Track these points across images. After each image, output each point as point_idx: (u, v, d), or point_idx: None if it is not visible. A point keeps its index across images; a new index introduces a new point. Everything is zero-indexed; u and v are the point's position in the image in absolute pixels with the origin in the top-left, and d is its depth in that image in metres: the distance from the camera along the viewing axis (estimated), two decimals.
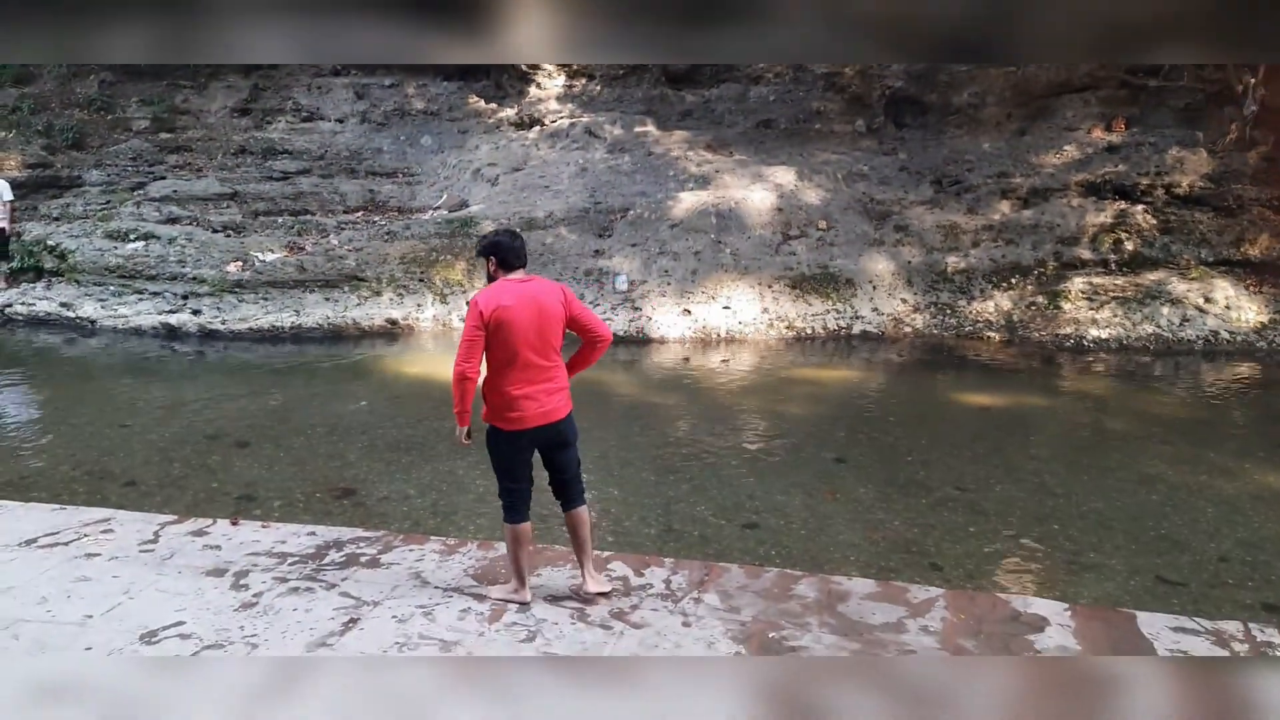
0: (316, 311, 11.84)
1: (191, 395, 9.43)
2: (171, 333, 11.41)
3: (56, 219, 13.51)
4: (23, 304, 11.95)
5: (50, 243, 12.80)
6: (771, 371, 10.79)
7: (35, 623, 4.01)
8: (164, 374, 10.32)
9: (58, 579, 4.42)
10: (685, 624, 4.23)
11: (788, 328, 11.83)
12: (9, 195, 12.77)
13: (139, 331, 11.45)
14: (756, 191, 13.13)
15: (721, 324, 11.77)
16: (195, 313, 11.64)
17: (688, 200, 12.95)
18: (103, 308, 11.77)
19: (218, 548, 4.85)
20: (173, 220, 13.09)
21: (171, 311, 11.67)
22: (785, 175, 13.43)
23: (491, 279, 4.19)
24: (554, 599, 4.39)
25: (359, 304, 12.04)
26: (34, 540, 4.86)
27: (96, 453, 7.43)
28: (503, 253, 4.13)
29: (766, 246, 12.56)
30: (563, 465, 4.38)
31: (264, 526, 5.22)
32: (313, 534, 5.08)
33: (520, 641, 4.01)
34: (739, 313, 11.87)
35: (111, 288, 12.11)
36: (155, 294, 11.99)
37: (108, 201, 13.71)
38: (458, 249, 12.58)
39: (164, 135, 15.09)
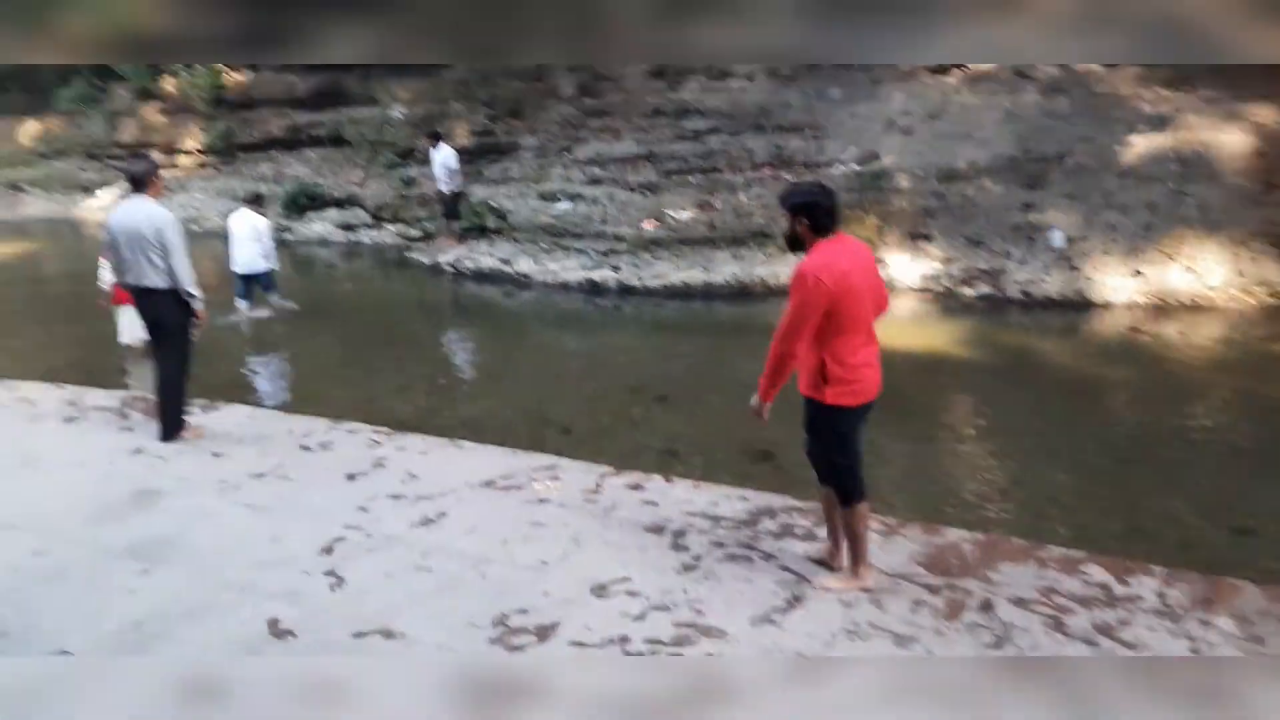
0: (725, 269, 11.89)
1: (613, 348, 9.85)
2: (594, 288, 12.05)
3: (497, 182, 14.86)
4: (469, 260, 13.27)
5: (492, 204, 14.10)
6: (1249, 345, 9.06)
7: (498, 564, 4.17)
8: (589, 327, 10.93)
9: (514, 522, 4.59)
10: (1193, 650, 3.46)
11: (1270, 294, 9.88)
12: (455, 164, 14.19)
13: (566, 286, 12.23)
14: (1229, 133, 11.08)
15: (1182, 288, 10.10)
16: (615, 269, 12.19)
17: (1140, 145, 11.24)
18: (535, 264, 12.72)
19: (655, 503, 4.81)
20: (595, 181, 13.83)
21: (594, 268, 12.33)
22: (1268, 113, 11.18)
23: (795, 239, 3.69)
24: (1020, 601, 3.80)
25: (765, 261, 11.91)
26: (492, 482, 5.14)
27: (535, 399, 7.92)
28: (819, 216, 3.60)
29: (1243, 197, 10.56)
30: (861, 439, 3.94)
31: (695, 486, 5.11)
32: (745, 499, 4.88)
33: (985, 646, 3.49)
34: (1205, 275, 10.11)
35: (543, 245, 13.07)
36: (580, 251, 12.75)
37: (540, 165, 14.83)
38: (868, 204, 12.00)
39: (588, 101, 16.00)
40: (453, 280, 13.08)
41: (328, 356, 9.45)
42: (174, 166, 20.15)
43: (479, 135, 16.07)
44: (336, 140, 18.44)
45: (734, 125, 14.61)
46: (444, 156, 13.95)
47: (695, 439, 6.90)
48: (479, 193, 14.68)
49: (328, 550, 4.35)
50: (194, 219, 17.67)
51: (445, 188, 14.07)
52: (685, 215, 12.81)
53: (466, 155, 15.36)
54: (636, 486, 5.05)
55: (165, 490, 5.24)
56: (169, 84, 20.24)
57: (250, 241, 10.12)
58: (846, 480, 3.83)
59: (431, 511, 4.75)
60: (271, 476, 5.41)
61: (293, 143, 18.98)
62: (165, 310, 5.92)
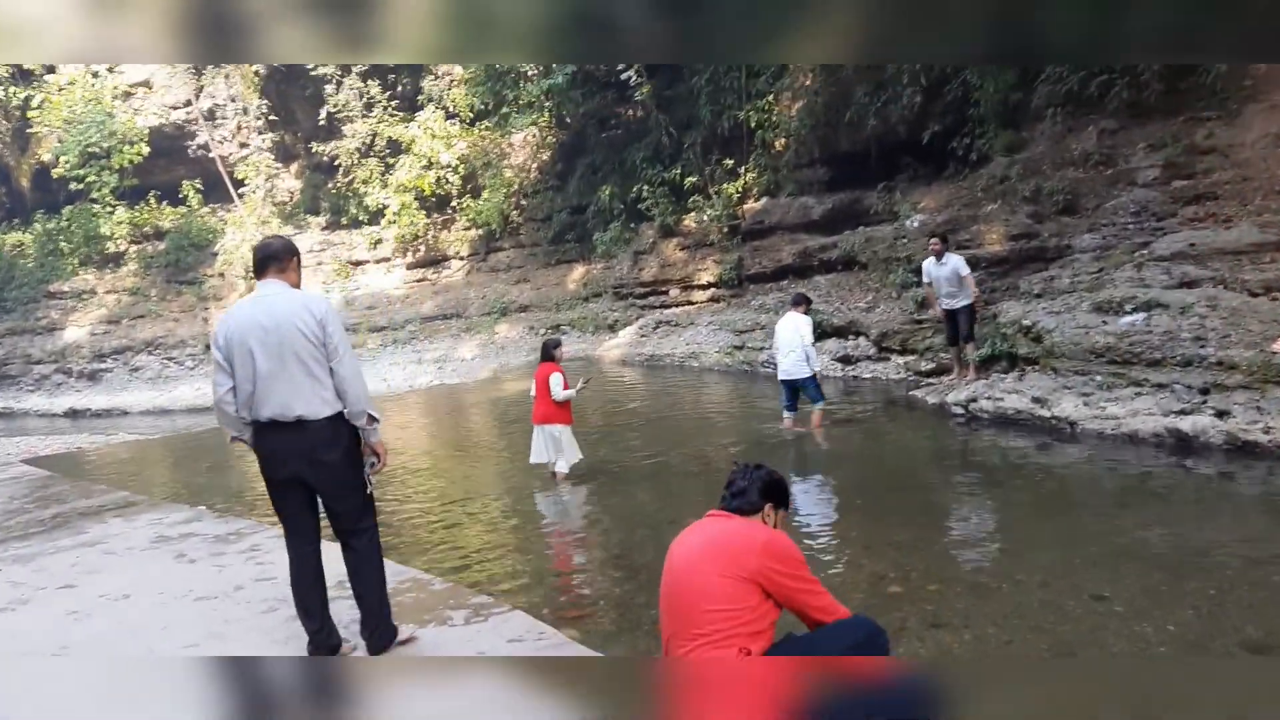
0: None
1: (1209, 548, 5.50)
2: (1182, 443, 7.60)
3: (1037, 296, 10.97)
4: (988, 399, 9.53)
5: (1025, 322, 10.26)
6: None
7: None
8: (1170, 506, 6.56)
9: None
10: None
11: None
12: (966, 271, 10.63)
13: (1134, 439, 7.93)
14: None
15: None
16: (1220, 414, 7.63)
17: None
18: (1085, 405, 8.59)
19: None
20: (1187, 284, 9.33)
21: (1183, 411, 7.88)
22: None
23: None
24: None
25: None
26: None
27: (1048, 630, 4.13)
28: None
29: None
30: None
31: None
32: None
33: None
34: None
35: (1097, 377, 8.88)
36: (1159, 386, 8.36)
37: (1100, 269, 10.66)
38: None
39: (1178, 184, 11.48)
40: (964, 425, 9.44)
41: None
42: (689, 303, 19.42)
43: (1016, 239, 12.39)
44: (849, 263, 16.06)
45: None
46: (953, 265, 10.60)
47: None
48: (1011, 311, 10.94)
49: None
50: (694, 354, 16.36)
51: (955, 303, 10.70)
52: None
53: (1001, 266, 11.82)
54: None
55: None
56: (689, 220, 19.76)
57: (794, 346, 8.83)
58: None
59: None
60: None
61: (804, 269, 17.02)
62: (330, 453, 3.56)
